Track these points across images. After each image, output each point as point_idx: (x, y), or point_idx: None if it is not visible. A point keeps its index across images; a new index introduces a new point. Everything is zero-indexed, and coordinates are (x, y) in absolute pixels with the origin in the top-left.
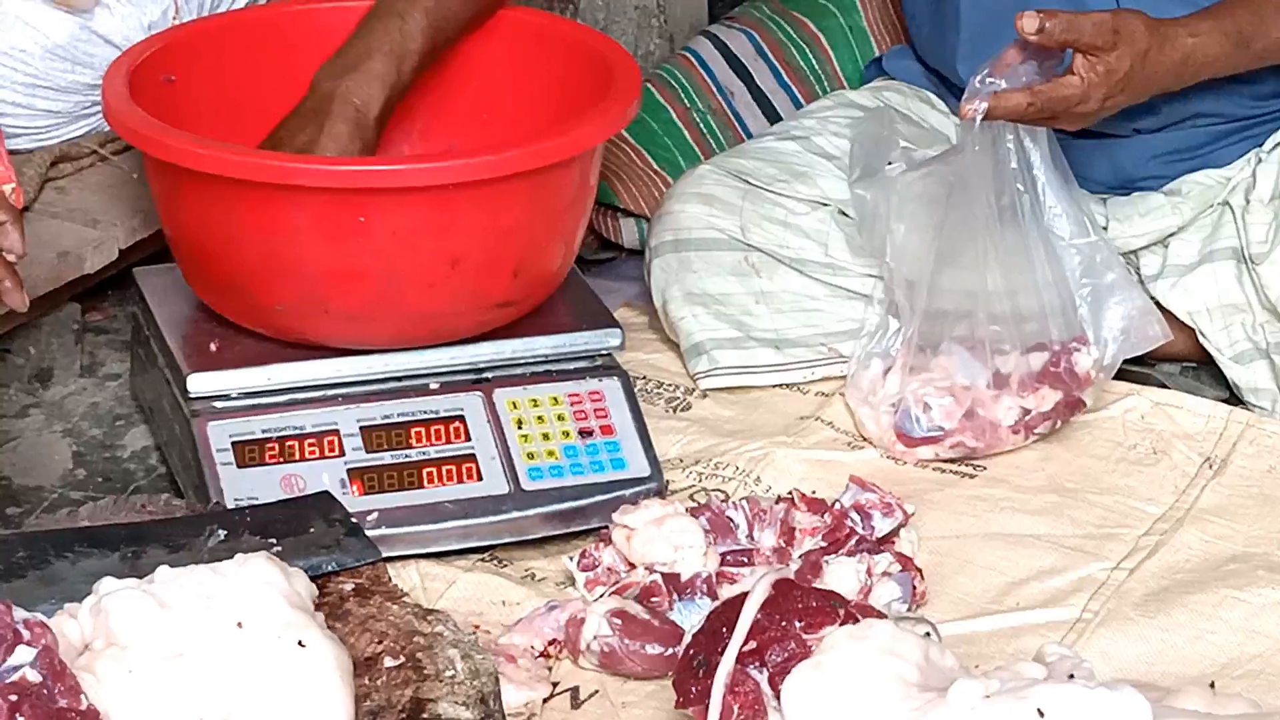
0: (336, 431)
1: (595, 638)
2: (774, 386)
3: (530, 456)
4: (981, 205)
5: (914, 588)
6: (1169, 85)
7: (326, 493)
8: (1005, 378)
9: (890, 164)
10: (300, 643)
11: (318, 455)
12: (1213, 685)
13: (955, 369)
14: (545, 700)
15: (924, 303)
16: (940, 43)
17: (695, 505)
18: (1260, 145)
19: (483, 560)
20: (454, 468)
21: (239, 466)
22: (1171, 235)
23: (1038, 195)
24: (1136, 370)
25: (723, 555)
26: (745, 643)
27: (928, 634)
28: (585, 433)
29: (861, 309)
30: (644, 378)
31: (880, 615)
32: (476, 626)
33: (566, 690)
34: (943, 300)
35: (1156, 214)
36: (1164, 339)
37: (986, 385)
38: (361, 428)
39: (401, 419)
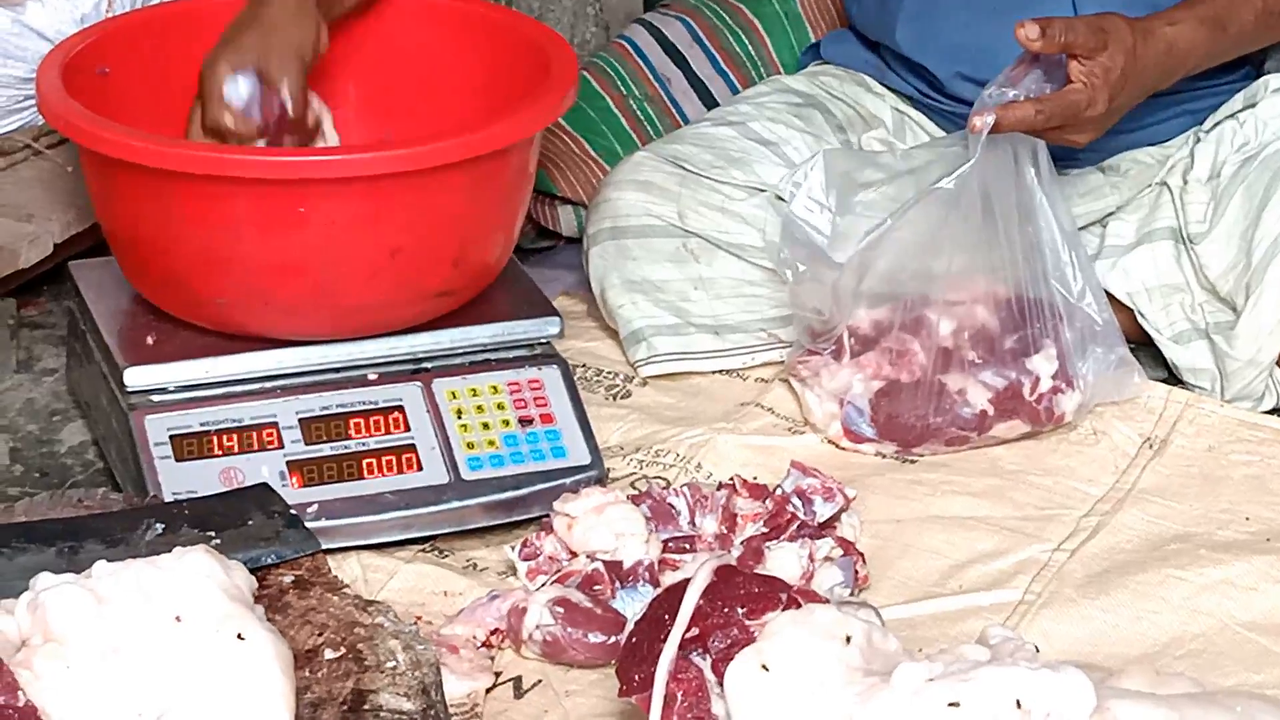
0: (275, 424)
1: (538, 627)
2: (714, 373)
3: (470, 446)
4: (975, 224)
5: (856, 572)
6: (1161, 79)
7: (265, 485)
8: (977, 417)
9: (857, 199)
10: (239, 635)
11: (256, 448)
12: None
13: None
14: (488, 690)
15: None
16: (881, 12)
17: (636, 493)
18: (1200, 124)
19: (424, 551)
20: (394, 458)
21: (177, 460)
22: (1110, 215)
23: (1037, 218)
24: None
25: (664, 542)
26: (688, 630)
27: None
28: (525, 421)
29: None
30: (584, 365)
31: (823, 600)
32: (418, 617)
33: (509, 680)
34: (920, 299)
35: (1095, 194)
36: (1144, 390)
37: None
38: (300, 419)
39: (340, 410)
